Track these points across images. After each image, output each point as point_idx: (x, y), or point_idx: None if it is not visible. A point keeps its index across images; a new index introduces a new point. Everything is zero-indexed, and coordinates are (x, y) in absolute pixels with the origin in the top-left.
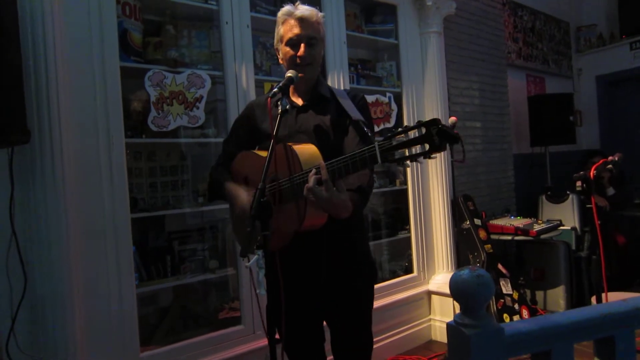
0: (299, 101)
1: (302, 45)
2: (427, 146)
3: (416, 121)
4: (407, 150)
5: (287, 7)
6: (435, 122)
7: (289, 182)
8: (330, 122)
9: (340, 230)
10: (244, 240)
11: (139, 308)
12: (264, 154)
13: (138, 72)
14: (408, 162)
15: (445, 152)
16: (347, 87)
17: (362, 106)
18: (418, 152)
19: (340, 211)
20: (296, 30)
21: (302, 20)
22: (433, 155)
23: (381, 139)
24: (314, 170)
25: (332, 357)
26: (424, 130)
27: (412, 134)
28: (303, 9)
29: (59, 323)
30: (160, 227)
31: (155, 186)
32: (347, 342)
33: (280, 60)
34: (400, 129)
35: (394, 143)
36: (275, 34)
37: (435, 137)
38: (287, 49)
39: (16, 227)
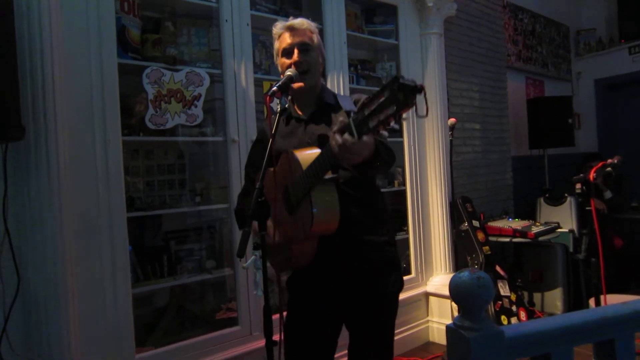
0: (307, 112)
1: (296, 51)
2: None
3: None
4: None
5: (279, 23)
6: (395, 79)
7: (293, 187)
8: None
9: (367, 233)
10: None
11: (135, 308)
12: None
13: (136, 69)
14: (391, 126)
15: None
16: (347, 88)
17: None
18: (388, 114)
19: (367, 151)
20: (289, 40)
21: (292, 29)
22: (404, 116)
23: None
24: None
25: None
26: (388, 92)
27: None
28: (294, 20)
29: (53, 323)
30: (157, 226)
31: (152, 185)
32: (364, 352)
33: (281, 75)
34: (368, 99)
35: (366, 113)
36: (274, 50)
37: (399, 93)
38: (284, 59)
39: (9, 225)
